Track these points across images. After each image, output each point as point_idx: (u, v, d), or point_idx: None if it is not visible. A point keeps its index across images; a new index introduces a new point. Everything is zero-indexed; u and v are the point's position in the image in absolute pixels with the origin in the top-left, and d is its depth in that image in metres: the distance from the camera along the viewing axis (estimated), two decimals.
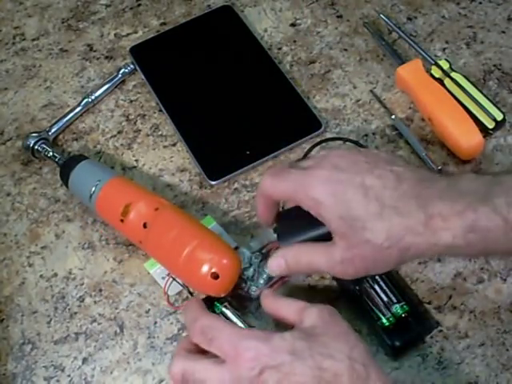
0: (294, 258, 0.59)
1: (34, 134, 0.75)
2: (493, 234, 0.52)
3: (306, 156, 0.72)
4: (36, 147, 0.75)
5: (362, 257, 0.55)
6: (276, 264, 0.59)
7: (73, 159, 0.72)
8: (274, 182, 0.58)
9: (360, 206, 0.54)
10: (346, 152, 0.59)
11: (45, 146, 0.75)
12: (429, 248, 0.54)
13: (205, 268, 0.60)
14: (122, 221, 0.66)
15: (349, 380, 0.50)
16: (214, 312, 0.61)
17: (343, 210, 0.55)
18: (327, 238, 0.62)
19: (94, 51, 0.84)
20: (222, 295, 0.62)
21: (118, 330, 0.66)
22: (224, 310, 0.61)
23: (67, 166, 0.71)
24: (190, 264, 0.61)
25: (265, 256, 0.65)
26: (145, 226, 0.64)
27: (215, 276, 0.60)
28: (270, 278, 0.64)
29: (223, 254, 0.61)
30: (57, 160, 0.73)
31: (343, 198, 0.55)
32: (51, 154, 0.74)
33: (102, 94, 0.79)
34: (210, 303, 0.61)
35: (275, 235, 0.62)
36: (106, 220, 0.70)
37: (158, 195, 0.69)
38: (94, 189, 0.68)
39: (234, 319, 0.60)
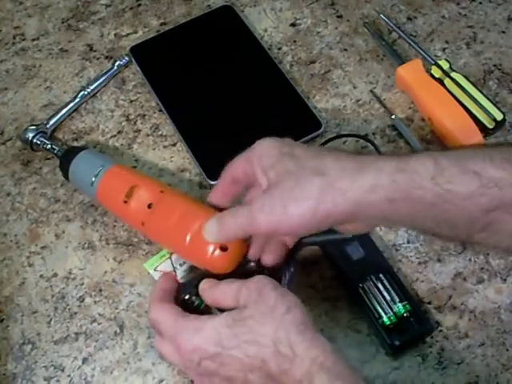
0: (223, 220, 0.57)
1: (32, 127, 0.76)
2: (419, 177, 0.50)
3: None
4: (34, 140, 0.75)
5: (280, 194, 0.53)
6: (210, 228, 0.57)
7: (73, 149, 0.72)
8: (231, 162, 0.59)
9: (304, 163, 0.54)
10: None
11: (43, 139, 0.75)
12: (356, 198, 0.51)
13: (211, 246, 0.59)
14: (125, 202, 0.65)
15: (276, 365, 0.51)
16: (198, 298, 0.59)
17: (289, 163, 0.55)
18: (349, 240, 0.63)
19: (94, 51, 0.84)
20: (230, 270, 0.60)
21: (118, 330, 0.66)
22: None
23: (67, 156, 0.71)
24: (198, 241, 0.59)
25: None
26: (149, 206, 0.63)
27: (224, 248, 0.59)
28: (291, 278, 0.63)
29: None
30: (56, 152, 0.74)
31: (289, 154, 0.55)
32: (50, 146, 0.74)
33: (98, 86, 0.80)
34: (196, 292, 0.60)
35: None
36: (105, 205, 0.69)
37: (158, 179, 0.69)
38: (97, 172, 0.67)
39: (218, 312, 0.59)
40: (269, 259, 0.59)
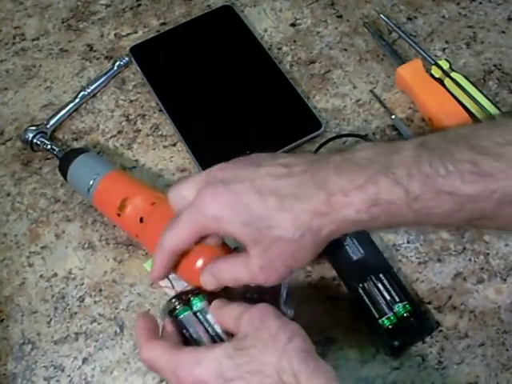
0: (219, 274, 0.57)
1: (32, 128, 0.76)
2: (395, 207, 0.50)
3: None
4: (35, 140, 0.75)
5: (279, 256, 0.53)
6: (207, 280, 0.58)
7: (72, 152, 0.72)
8: (172, 233, 0.56)
9: (259, 206, 0.52)
10: (227, 164, 0.56)
11: (43, 140, 0.75)
12: (339, 226, 0.52)
13: (199, 262, 0.59)
14: (118, 215, 0.65)
15: None
16: (190, 308, 0.58)
17: (244, 216, 0.52)
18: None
19: (94, 51, 0.84)
20: (218, 289, 0.59)
21: (118, 330, 0.66)
22: (203, 306, 0.59)
23: (66, 159, 0.71)
24: (186, 257, 0.59)
25: None
26: (141, 220, 0.64)
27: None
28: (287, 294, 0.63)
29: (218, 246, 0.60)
30: (55, 153, 0.74)
31: (239, 205, 0.52)
32: (50, 146, 0.74)
33: (98, 86, 0.80)
34: (187, 300, 0.59)
35: None
36: (103, 213, 0.70)
37: (155, 189, 0.68)
38: (91, 182, 0.68)
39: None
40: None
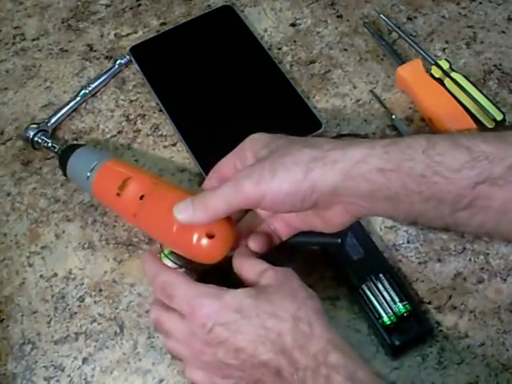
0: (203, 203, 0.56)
1: (33, 126, 0.76)
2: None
3: None
4: (35, 139, 0.75)
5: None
6: (184, 208, 0.56)
7: (71, 146, 0.72)
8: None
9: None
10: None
11: (44, 138, 0.75)
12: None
13: (199, 230, 0.57)
14: (118, 195, 0.64)
15: (292, 339, 0.51)
16: None
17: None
18: (320, 245, 0.63)
19: (94, 51, 0.84)
20: (219, 259, 0.58)
21: (118, 330, 0.66)
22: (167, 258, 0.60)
23: (65, 153, 0.71)
24: (185, 229, 0.58)
25: None
26: (141, 198, 0.63)
27: (211, 235, 0.57)
28: None
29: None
30: (56, 150, 0.74)
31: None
32: (50, 144, 0.75)
33: (99, 84, 0.80)
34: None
35: None
36: (100, 198, 0.69)
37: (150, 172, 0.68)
38: (93, 166, 0.67)
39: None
40: (254, 246, 0.59)
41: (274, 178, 0.53)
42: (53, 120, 0.77)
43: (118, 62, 0.81)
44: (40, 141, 0.75)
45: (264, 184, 0.53)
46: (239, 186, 0.54)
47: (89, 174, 0.67)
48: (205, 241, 0.57)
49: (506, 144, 0.51)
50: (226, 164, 0.60)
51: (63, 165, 0.71)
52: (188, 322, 0.54)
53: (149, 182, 0.64)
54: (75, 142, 0.76)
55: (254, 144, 0.58)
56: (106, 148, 0.76)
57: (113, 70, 0.81)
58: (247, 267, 0.57)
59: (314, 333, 0.51)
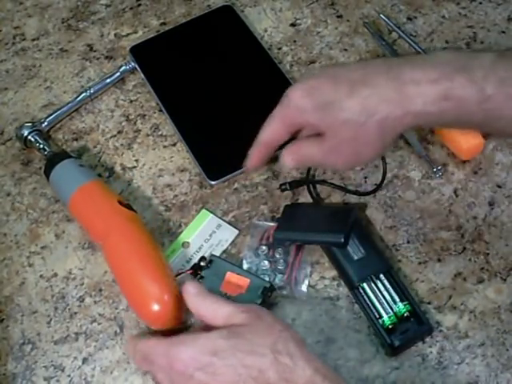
0: (298, 152, 0.62)
1: (27, 124, 0.76)
2: (467, 104, 0.53)
3: None
4: (29, 137, 0.75)
5: (347, 140, 0.57)
6: (287, 160, 0.62)
7: (55, 156, 0.72)
8: (266, 127, 0.63)
9: (331, 92, 0.57)
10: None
11: (37, 138, 0.75)
12: (405, 114, 0.54)
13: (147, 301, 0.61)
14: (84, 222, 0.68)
15: (275, 373, 0.50)
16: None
17: (319, 102, 0.58)
18: (323, 244, 0.63)
19: (94, 51, 0.84)
20: (168, 326, 0.61)
21: (118, 330, 0.66)
22: None
23: (50, 163, 0.72)
24: (134, 294, 0.63)
25: (269, 245, 0.66)
26: (100, 245, 0.66)
27: (163, 304, 0.60)
28: (286, 261, 0.65)
29: (164, 287, 0.61)
30: (45, 153, 0.74)
31: (316, 94, 0.58)
32: (42, 146, 0.75)
33: (100, 89, 0.80)
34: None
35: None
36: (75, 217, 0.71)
37: (118, 212, 0.67)
38: (66, 196, 0.69)
39: None
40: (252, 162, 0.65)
41: (354, 151, 0.58)
42: (48, 120, 0.77)
43: (122, 68, 0.80)
44: (32, 140, 0.75)
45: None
46: (324, 160, 0.61)
47: (66, 193, 0.69)
48: (156, 307, 0.60)
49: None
50: (272, 131, 0.63)
51: (47, 173, 0.72)
52: (169, 372, 0.54)
53: (102, 232, 0.66)
54: (64, 150, 0.75)
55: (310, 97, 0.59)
56: (106, 148, 0.76)
57: (116, 75, 0.80)
58: (209, 314, 0.56)
59: (298, 364, 0.50)
